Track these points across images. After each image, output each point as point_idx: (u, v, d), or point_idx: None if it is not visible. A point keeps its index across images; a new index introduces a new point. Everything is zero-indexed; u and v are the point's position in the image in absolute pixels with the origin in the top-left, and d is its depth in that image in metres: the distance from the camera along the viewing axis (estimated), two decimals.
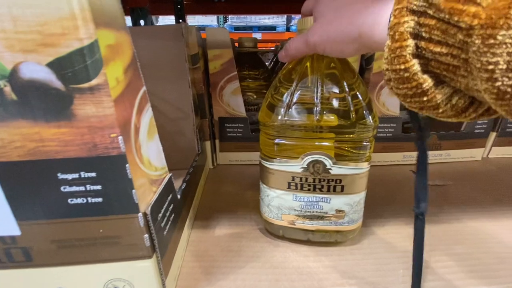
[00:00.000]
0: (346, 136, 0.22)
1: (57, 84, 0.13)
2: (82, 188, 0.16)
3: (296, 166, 0.23)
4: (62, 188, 0.15)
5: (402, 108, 0.44)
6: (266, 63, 0.61)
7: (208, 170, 0.44)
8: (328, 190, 0.24)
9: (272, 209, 0.26)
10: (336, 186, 0.23)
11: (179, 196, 0.24)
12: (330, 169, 0.23)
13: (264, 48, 0.65)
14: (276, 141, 0.23)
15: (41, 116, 0.14)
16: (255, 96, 0.51)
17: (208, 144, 0.43)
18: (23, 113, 0.14)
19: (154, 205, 0.18)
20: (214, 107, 0.42)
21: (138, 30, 0.38)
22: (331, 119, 0.22)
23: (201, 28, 0.40)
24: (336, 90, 0.22)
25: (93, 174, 0.15)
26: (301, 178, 0.24)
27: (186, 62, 0.34)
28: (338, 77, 0.22)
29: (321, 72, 0.22)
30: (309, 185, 0.24)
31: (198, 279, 0.23)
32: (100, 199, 0.16)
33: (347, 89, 0.22)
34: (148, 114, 0.19)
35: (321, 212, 0.25)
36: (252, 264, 0.24)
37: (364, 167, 0.23)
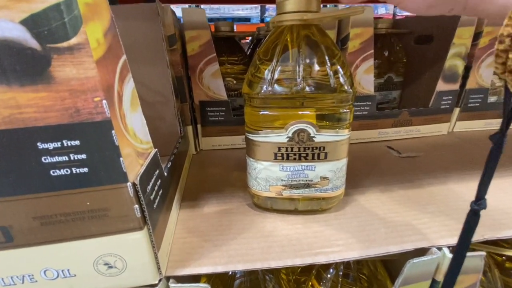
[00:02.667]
0: (327, 104, 0.23)
1: (33, 43, 0.13)
2: (65, 158, 0.15)
3: (281, 136, 0.24)
4: (43, 159, 0.15)
5: (377, 89, 0.46)
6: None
7: (191, 156, 0.43)
8: (313, 158, 0.24)
9: (260, 182, 0.26)
10: (320, 153, 0.24)
11: (166, 174, 0.24)
12: (314, 137, 0.24)
13: (242, 33, 0.64)
14: (261, 112, 0.24)
15: (15, 79, 0.13)
16: (235, 82, 0.51)
17: (189, 129, 0.42)
18: None
19: (142, 176, 0.18)
20: (194, 90, 0.41)
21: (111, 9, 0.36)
22: (313, 88, 0.22)
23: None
24: (317, 61, 0.23)
25: (77, 142, 0.15)
26: (286, 148, 0.24)
27: (164, 42, 0.33)
28: (318, 49, 0.23)
29: (301, 44, 0.23)
30: (294, 154, 0.24)
31: (190, 253, 0.23)
32: (85, 169, 0.15)
33: (327, 59, 0.23)
34: (130, 84, 0.18)
35: (306, 180, 0.25)
36: (243, 235, 0.25)
37: (345, 133, 0.24)
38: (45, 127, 0.14)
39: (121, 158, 0.15)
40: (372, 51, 0.42)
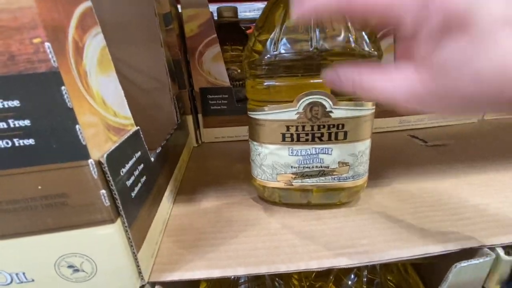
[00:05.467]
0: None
1: None
2: (3, 125, 0.11)
3: (290, 112, 0.20)
4: None
5: None
6: None
7: (191, 148, 0.39)
8: (329, 139, 0.20)
9: (266, 170, 0.22)
10: (338, 132, 0.20)
11: (153, 160, 0.20)
12: (331, 111, 0.19)
13: (247, 20, 0.61)
14: (265, 83, 0.20)
15: None
16: (239, 70, 0.47)
17: (190, 119, 0.39)
18: None
19: (113, 153, 0.14)
20: (194, 76, 0.38)
21: None
22: (328, 49, 0.18)
23: None
24: (333, 18, 0.18)
25: (16, 103, 0.11)
26: (297, 127, 0.20)
27: (157, 18, 0.30)
28: None
29: None
30: (306, 135, 0.20)
31: (181, 254, 0.19)
32: (31, 141, 0.12)
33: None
34: (98, 40, 0.14)
35: (322, 167, 0.21)
36: (245, 233, 0.21)
37: (368, 107, 0.20)
38: None
39: (77, 126, 0.12)
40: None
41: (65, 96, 0.11)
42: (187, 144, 0.37)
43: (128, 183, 0.15)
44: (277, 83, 0.20)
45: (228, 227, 0.21)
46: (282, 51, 0.19)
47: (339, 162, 0.21)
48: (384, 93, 0.13)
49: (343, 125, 0.20)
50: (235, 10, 0.46)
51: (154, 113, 0.35)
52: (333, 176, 0.21)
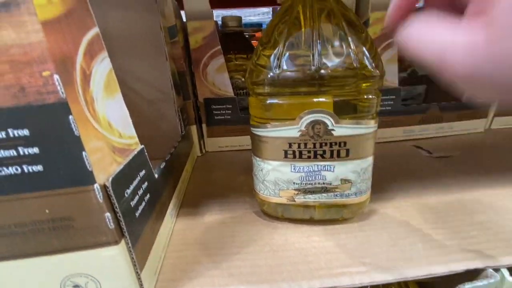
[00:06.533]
0: (349, 88, 0.19)
1: None
2: (13, 153, 0.12)
3: (293, 130, 0.20)
4: None
5: (401, 82, 0.41)
6: None
7: (195, 158, 0.40)
8: (332, 156, 0.20)
9: (268, 185, 0.22)
10: (340, 150, 0.20)
11: (157, 176, 0.20)
12: (333, 130, 0.19)
13: (251, 29, 0.61)
14: (268, 101, 0.20)
15: None
16: (243, 79, 0.47)
17: (194, 129, 0.39)
18: None
19: (118, 176, 0.14)
20: (198, 87, 0.38)
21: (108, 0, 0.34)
22: (331, 69, 0.18)
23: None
24: (336, 37, 0.19)
25: (26, 132, 0.11)
26: (299, 144, 0.20)
27: (162, 32, 0.31)
28: (337, 23, 0.19)
29: (316, 18, 0.19)
30: (309, 152, 0.20)
31: (185, 270, 0.19)
32: (39, 167, 0.12)
33: (348, 35, 0.18)
34: (105, 65, 0.15)
35: (324, 183, 0.21)
36: (248, 249, 0.21)
37: (371, 125, 0.20)
38: None
39: (84, 153, 0.12)
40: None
41: (73, 125, 0.11)
42: (191, 154, 0.37)
43: (132, 203, 0.16)
44: (279, 101, 0.20)
45: (231, 243, 0.21)
46: (285, 70, 0.19)
47: (341, 179, 0.21)
48: (439, 47, 0.11)
49: (345, 143, 0.20)
50: (239, 19, 0.47)
51: (158, 123, 0.35)
52: (335, 193, 0.21)
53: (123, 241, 0.15)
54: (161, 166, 0.22)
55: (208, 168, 0.36)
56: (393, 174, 0.31)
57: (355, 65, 0.18)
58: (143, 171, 0.18)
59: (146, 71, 0.33)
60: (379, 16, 0.35)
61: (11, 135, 0.11)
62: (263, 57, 0.20)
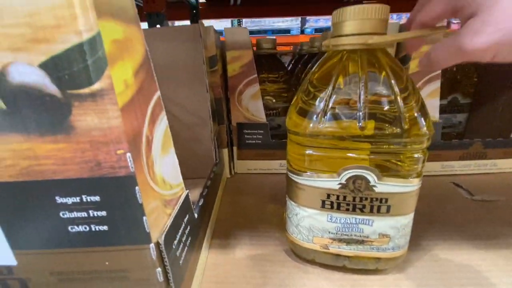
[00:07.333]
0: (395, 147, 0.19)
1: (52, 89, 0.11)
2: (84, 214, 0.13)
3: (332, 182, 0.20)
4: (61, 214, 0.13)
5: (441, 111, 0.40)
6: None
7: (225, 180, 0.41)
8: (371, 211, 0.20)
9: (302, 231, 0.22)
10: (381, 206, 0.20)
11: (196, 215, 0.21)
12: (375, 186, 0.19)
13: (282, 50, 0.62)
14: (307, 151, 0.20)
15: (34, 128, 0.11)
16: (274, 100, 0.48)
17: (225, 151, 0.40)
18: (13, 125, 0.11)
19: (168, 231, 0.15)
20: (232, 112, 0.39)
21: (153, 31, 0.36)
22: (378, 126, 0.18)
23: (219, 32, 0.37)
24: (384, 92, 0.18)
25: (97, 198, 0.13)
26: (338, 196, 0.20)
27: (204, 64, 0.32)
28: (385, 76, 0.19)
29: (364, 70, 0.19)
30: (347, 205, 0.20)
31: None
32: (105, 227, 0.13)
33: (396, 90, 0.18)
34: (162, 124, 0.16)
35: (361, 236, 0.21)
36: None
37: (415, 184, 0.19)
38: (64, 180, 0.12)
39: (144, 218, 0.13)
40: (440, 71, 0.36)
41: (138, 195, 0.13)
42: (222, 177, 0.39)
43: (178, 252, 0.17)
44: (320, 153, 0.20)
45: (262, 286, 0.22)
46: (328, 125, 0.19)
47: (379, 234, 0.21)
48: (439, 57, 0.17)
49: (386, 200, 0.19)
50: (274, 41, 0.47)
51: (194, 146, 0.37)
52: (372, 246, 0.21)
53: None
54: (200, 203, 0.23)
55: (238, 192, 0.37)
56: (431, 218, 0.30)
57: (403, 125, 0.18)
58: (187, 216, 0.19)
59: (186, 97, 0.34)
60: (420, 50, 0.34)
61: (84, 200, 0.13)
62: (304, 107, 0.20)
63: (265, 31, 2.16)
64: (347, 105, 0.19)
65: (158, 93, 0.15)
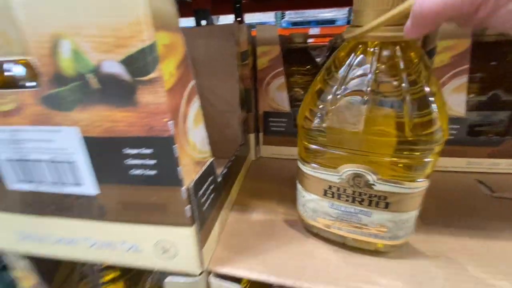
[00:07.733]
0: (405, 152, 0.19)
1: (127, 77, 0.17)
2: (141, 162, 0.19)
3: (333, 176, 0.22)
4: (125, 161, 0.19)
5: (476, 108, 0.39)
6: (318, 59, 0.59)
7: (250, 161, 0.46)
8: (370, 205, 0.22)
9: (307, 210, 0.26)
10: (379, 202, 0.21)
11: (219, 179, 0.27)
12: (373, 184, 0.21)
13: (316, 44, 0.64)
14: (312, 146, 0.23)
15: (114, 102, 0.18)
16: (302, 92, 0.51)
17: (252, 136, 0.45)
18: (102, 99, 0.18)
19: (196, 182, 0.21)
20: (260, 101, 0.44)
21: (196, 30, 0.42)
22: (386, 130, 0.19)
23: (252, 25, 0.42)
24: (397, 90, 0.18)
25: (150, 151, 0.19)
26: (338, 188, 0.22)
27: (236, 59, 0.37)
28: (402, 72, 0.18)
29: (379, 66, 0.18)
30: (347, 196, 0.22)
31: (230, 255, 0.25)
32: (154, 172, 0.19)
33: (415, 89, 0.18)
34: (195, 105, 0.21)
35: (359, 224, 0.23)
36: (282, 249, 0.26)
37: (419, 186, 0.20)
38: (130, 137, 0.19)
39: (178, 168, 0.19)
40: (468, 66, 0.35)
41: (175, 151, 0.18)
42: (247, 158, 0.44)
43: (202, 200, 0.22)
44: (323, 149, 0.22)
45: (269, 241, 0.27)
46: (332, 126, 0.20)
47: (377, 224, 0.22)
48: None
49: (385, 197, 0.21)
50: (305, 36, 0.50)
51: (224, 130, 0.43)
52: (370, 233, 0.23)
53: (194, 225, 0.21)
54: (223, 172, 0.29)
55: (260, 173, 0.42)
56: (446, 210, 0.31)
57: (416, 129, 0.18)
58: (211, 177, 0.24)
59: (220, 87, 0.40)
60: (447, 44, 0.34)
61: (141, 152, 0.19)
62: (316, 106, 0.22)
63: (308, 22, 2.10)
64: (355, 103, 0.19)
65: (193, 82, 0.21)
